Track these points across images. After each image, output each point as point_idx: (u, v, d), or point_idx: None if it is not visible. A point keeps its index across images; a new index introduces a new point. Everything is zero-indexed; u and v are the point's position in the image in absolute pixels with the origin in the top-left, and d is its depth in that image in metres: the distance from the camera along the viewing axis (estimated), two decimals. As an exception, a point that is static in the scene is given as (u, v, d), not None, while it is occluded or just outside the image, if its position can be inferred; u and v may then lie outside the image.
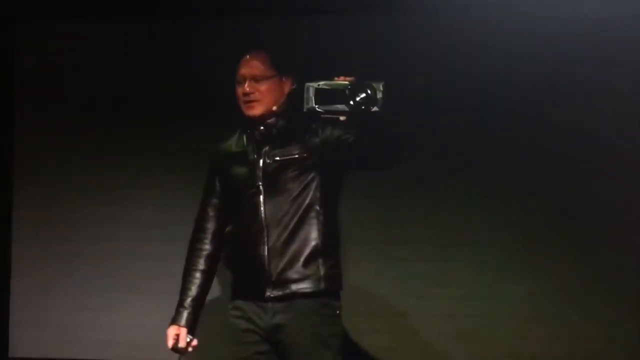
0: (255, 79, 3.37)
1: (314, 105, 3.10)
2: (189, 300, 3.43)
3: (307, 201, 3.34)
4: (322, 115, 3.13)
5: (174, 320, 3.44)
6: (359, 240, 4.68)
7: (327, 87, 3.09)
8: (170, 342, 3.42)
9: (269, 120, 3.39)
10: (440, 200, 4.75)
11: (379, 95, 3.05)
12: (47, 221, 5.04)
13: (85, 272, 4.99)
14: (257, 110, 3.38)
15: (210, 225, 3.47)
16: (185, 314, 3.43)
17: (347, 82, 3.08)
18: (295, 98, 3.40)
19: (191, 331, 3.45)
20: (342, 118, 3.13)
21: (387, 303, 4.75)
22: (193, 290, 3.43)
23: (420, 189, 4.75)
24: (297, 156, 3.36)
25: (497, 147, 4.71)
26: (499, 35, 4.68)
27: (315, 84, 3.09)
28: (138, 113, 4.99)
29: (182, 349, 3.42)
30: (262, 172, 3.36)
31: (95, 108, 5.05)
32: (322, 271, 3.33)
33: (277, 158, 3.36)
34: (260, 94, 3.37)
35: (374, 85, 3.06)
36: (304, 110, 3.13)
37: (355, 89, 3.06)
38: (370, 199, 4.79)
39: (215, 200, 3.48)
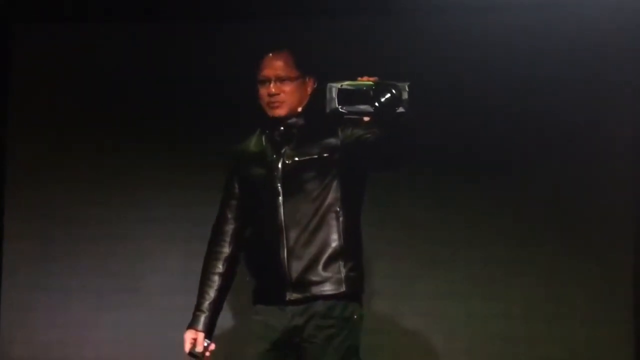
0: (280, 80, 3.38)
1: (337, 106, 3.07)
2: (206, 304, 3.43)
3: (326, 202, 3.35)
4: (345, 117, 3.10)
5: (191, 325, 3.43)
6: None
7: (350, 88, 3.06)
8: (188, 347, 3.42)
9: (289, 121, 3.40)
10: (441, 201, 4.82)
11: (405, 95, 3.03)
12: (40, 221, 5.07)
13: (79, 271, 5.00)
14: (282, 110, 3.39)
15: (229, 228, 3.48)
16: (202, 318, 3.43)
17: (371, 83, 3.05)
18: (315, 98, 3.42)
19: (209, 335, 3.44)
20: (365, 119, 3.09)
21: (392, 304, 4.81)
22: (211, 294, 3.44)
23: (421, 191, 4.82)
24: (316, 156, 3.37)
25: (501, 148, 4.78)
26: (509, 38, 4.74)
27: (338, 85, 3.07)
28: (135, 114, 5.01)
29: (199, 353, 3.42)
30: (281, 173, 3.36)
31: (91, 109, 5.07)
32: (342, 273, 3.34)
33: (296, 158, 3.37)
34: (285, 95, 3.39)
35: (400, 85, 3.04)
36: (327, 111, 3.09)
37: (380, 90, 3.03)
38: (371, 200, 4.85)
39: (234, 202, 3.49)
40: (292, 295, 3.32)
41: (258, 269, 3.43)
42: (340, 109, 3.08)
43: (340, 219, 3.35)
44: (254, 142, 3.48)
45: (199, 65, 4.95)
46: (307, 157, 3.37)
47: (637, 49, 4.68)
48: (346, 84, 3.08)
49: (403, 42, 4.80)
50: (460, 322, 4.76)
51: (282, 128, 3.40)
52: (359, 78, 3.10)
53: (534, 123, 4.76)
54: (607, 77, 4.71)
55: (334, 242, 3.34)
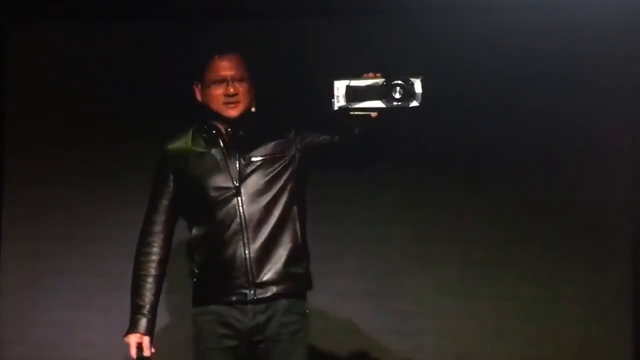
0: (238, 80, 3.38)
1: (345, 103, 3.06)
2: (147, 307, 3.38)
3: (284, 202, 3.37)
4: (351, 113, 3.09)
5: (135, 329, 3.37)
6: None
7: (360, 84, 3.06)
8: (134, 351, 3.37)
9: (242, 121, 3.39)
10: (439, 201, 4.84)
11: (418, 89, 3.04)
12: (37, 221, 5.08)
13: (77, 272, 5.01)
14: (238, 110, 3.39)
15: (160, 229, 3.44)
16: (145, 321, 3.38)
17: (382, 79, 3.05)
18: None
19: (151, 339, 3.40)
20: (373, 115, 3.11)
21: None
22: (149, 297, 3.38)
23: (419, 190, 4.84)
24: (272, 157, 3.38)
25: (500, 148, 4.79)
26: (508, 38, 4.74)
27: (345, 82, 3.06)
28: (132, 113, 5.01)
29: (147, 357, 3.38)
30: (239, 173, 3.36)
31: (88, 110, 5.08)
32: (301, 272, 3.40)
33: (253, 159, 3.38)
34: (241, 95, 3.39)
35: (412, 80, 3.05)
36: (335, 108, 3.07)
37: (392, 85, 3.04)
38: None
39: (165, 203, 3.45)
40: (255, 295, 3.33)
41: (213, 269, 3.39)
42: (348, 106, 3.07)
43: (298, 218, 3.40)
44: (193, 142, 3.44)
45: (197, 64, 4.92)
46: (264, 157, 3.38)
47: (636, 49, 4.66)
48: (355, 81, 3.06)
49: (403, 42, 4.80)
50: (456, 322, 4.79)
51: (229, 129, 3.40)
52: (365, 75, 3.10)
53: (533, 123, 4.77)
54: (606, 78, 4.72)
55: (294, 241, 3.38)
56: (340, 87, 3.06)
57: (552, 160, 4.78)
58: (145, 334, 3.38)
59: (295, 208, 3.40)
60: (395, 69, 4.55)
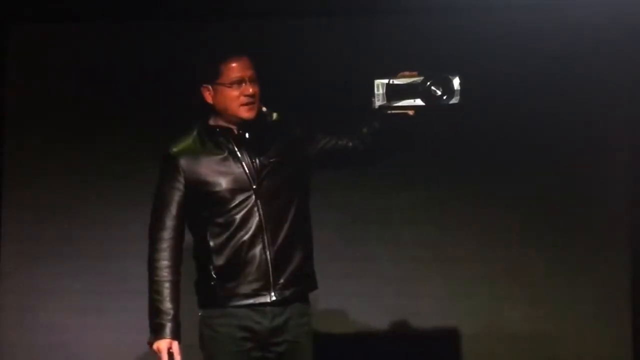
0: (253, 81, 3.34)
1: (385, 101, 3.08)
2: (172, 312, 3.30)
3: (297, 202, 3.36)
4: (389, 112, 3.11)
5: (162, 334, 3.28)
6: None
7: (400, 83, 3.08)
8: (166, 357, 3.28)
9: (254, 122, 3.35)
10: (441, 200, 4.86)
11: (457, 86, 3.06)
12: (37, 222, 5.08)
13: (78, 273, 5.01)
14: (255, 111, 3.35)
15: (173, 234, 3.35)
16: (172, 326, 3.30)
17: (420, 77, 3.07)
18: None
19: (179, 343, 3.33)
20: (410, 112, 3.12)
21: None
22: (171, 302, 3.30)
23: (420, 191, 4.85)
24: (284, 158, 3.36)
25: (500, 148, 4.80)
26: (508, 38, 4.75)
27: (385, 81, 3.09)
28: (133, 114, 5.01)
29: None
30: (255, 175, 3.33)
31: (89, 110, 5.07)
32: (311, 272, 3.42)
33: (268, 160, 3.35)
34: (257, 95, 3.36)
35: (449, 77, 3.07)
36: (375, 107, 3.10)
37: (432, 83, 3.06)
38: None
39: (177, 207, 3.35)
40: (275, 296, 3.32)
41: (232, 272, 3.35)
42: (389, 105, 3.08)
43: (308, 219, 3.42)
44: (202, 144, 3.38)
45: (198, 64, 4.92)
46: (277, 158, 3.36)
47: (635, 50, 4.66)
48: (395, 80, 3.08)
49: (403, 42, 4.79)
50: (456, 322, 4.79)
51: (241, 130, 3.35)
52: (401, 73, 3.12)
53: (533, 123, 4.77)
54: (606, 78, 4.73)
55: (307, 241, 3.40)
56: (380, 85, 3.07)
57: (552, 160, 4.78)
58: (174, 338, 3.31)
59: (304, 209, 3.40)
60: (395, 69, 4.59)
